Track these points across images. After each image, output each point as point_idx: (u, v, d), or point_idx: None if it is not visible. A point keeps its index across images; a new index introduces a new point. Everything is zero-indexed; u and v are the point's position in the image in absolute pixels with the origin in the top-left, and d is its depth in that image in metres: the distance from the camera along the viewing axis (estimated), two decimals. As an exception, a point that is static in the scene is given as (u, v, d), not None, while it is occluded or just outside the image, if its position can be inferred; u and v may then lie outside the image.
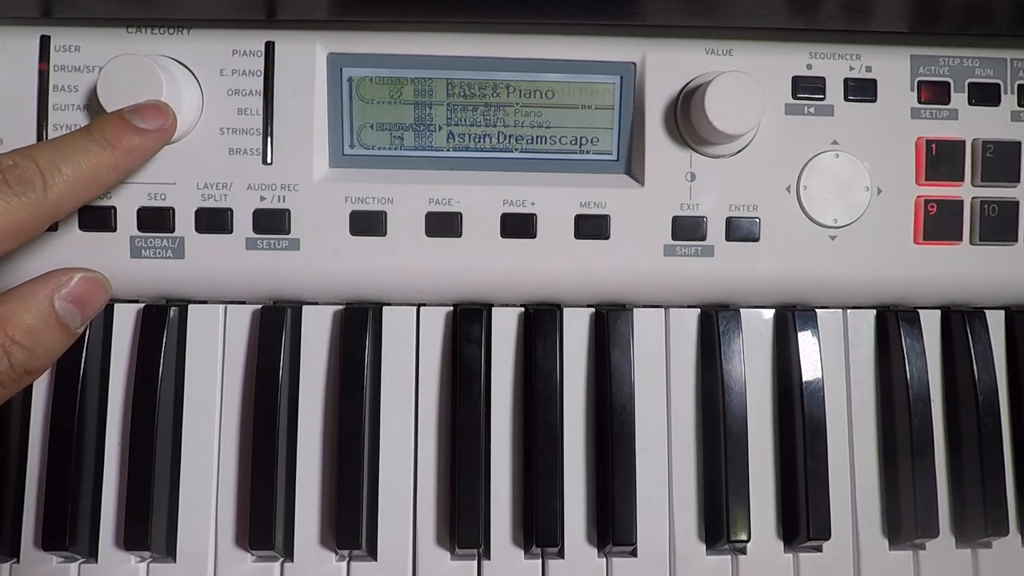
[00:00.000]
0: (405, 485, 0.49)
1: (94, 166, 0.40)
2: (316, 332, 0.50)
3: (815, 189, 0.48)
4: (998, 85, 0.49)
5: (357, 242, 0.47)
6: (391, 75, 0.48)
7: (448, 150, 0.49)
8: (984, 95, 0.49)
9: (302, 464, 0.49)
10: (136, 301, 0.49)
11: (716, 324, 0.49)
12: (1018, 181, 0.49)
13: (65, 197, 0.39)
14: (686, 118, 0.47)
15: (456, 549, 0.47)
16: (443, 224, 0.47)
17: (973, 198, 0.49)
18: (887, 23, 0.48)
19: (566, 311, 0.50)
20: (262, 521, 0.46)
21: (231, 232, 0.47)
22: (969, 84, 0.49)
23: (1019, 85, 0.50)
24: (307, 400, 0.49)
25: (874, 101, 0.49)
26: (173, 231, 0.47)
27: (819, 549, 0.49)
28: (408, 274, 0.48)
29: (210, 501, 0.48)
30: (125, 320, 0.49)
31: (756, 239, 0.48)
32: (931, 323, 0.52)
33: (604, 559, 0.49)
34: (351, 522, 0.46)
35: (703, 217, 0.48)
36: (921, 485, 0.49)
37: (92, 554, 0.47)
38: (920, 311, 0.52)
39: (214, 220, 0.47)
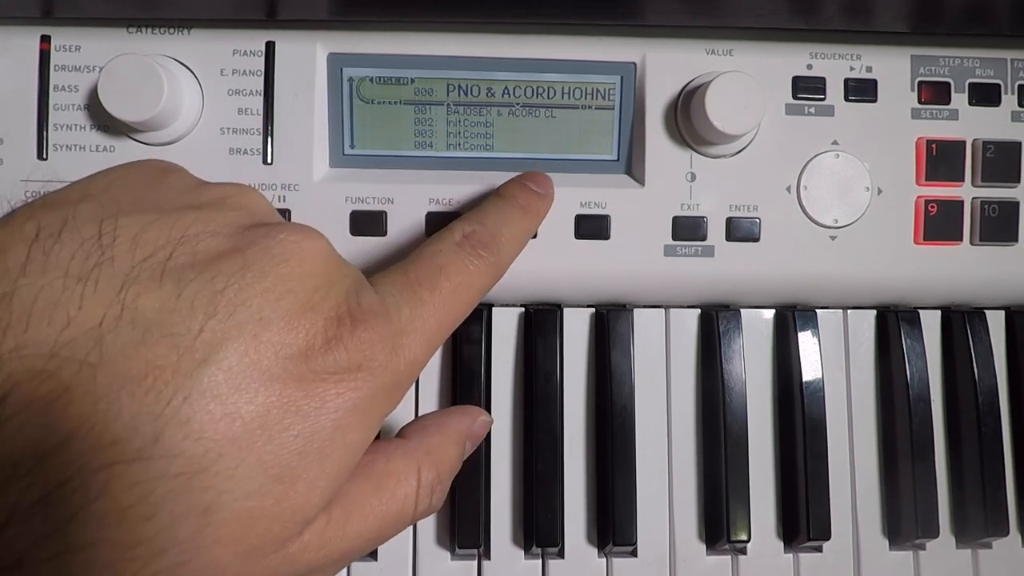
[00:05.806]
0: (405, 485, 0.49)
1: (520, 230, 0.42)
2: (316, 332, 0.49)
3: (815, 189, 0.48)
4: (998, 85, 0.49)
5: (357, 242, 0.47)
6: (391, 75, 0.48)
7: (448, 150, 0.49)
8: (984, 95, 0.49)
9: (302, 464, 0.48)
10: (136, 301, 0.49)
11: (716, 324, 0.50)
12: (1018, 181, 0.49)
13: (508, 259, 0.40)
14: (686, 118, 0.47)
15: (456, 549, 0.47)
16: (443, 224, 0.47)
17: (973, 198, 0.49)
18: (887, 23, 0.47)
19: (566, 311, 0.50)
20: (262, 521, 0.46)
21: (231, 232, 0.47)
22: (969, 84, 0.49)
23: (1019, 85, 0.49)
24: (307, 400, 0.49)
25: (874, 101, 0.49)
26: (173, 231, 0.47)
27: (819, 549, 0.49)
28: (408, 274, 0.48)
29: (210, 501, 0.48)
30: (125, 320, 0.49)
31: (756, 239, 0.48)
32: (931, 323, 0.52)
33: (604, 559, 0.49)
34: (351, 522, 0.46)
35: (703, 217, 0.48)
36: (921, 485, 0.49)
37: (92, 554, 0.47)
38: (920, 311, 0.52)
39: (214, 220, 0.47)
